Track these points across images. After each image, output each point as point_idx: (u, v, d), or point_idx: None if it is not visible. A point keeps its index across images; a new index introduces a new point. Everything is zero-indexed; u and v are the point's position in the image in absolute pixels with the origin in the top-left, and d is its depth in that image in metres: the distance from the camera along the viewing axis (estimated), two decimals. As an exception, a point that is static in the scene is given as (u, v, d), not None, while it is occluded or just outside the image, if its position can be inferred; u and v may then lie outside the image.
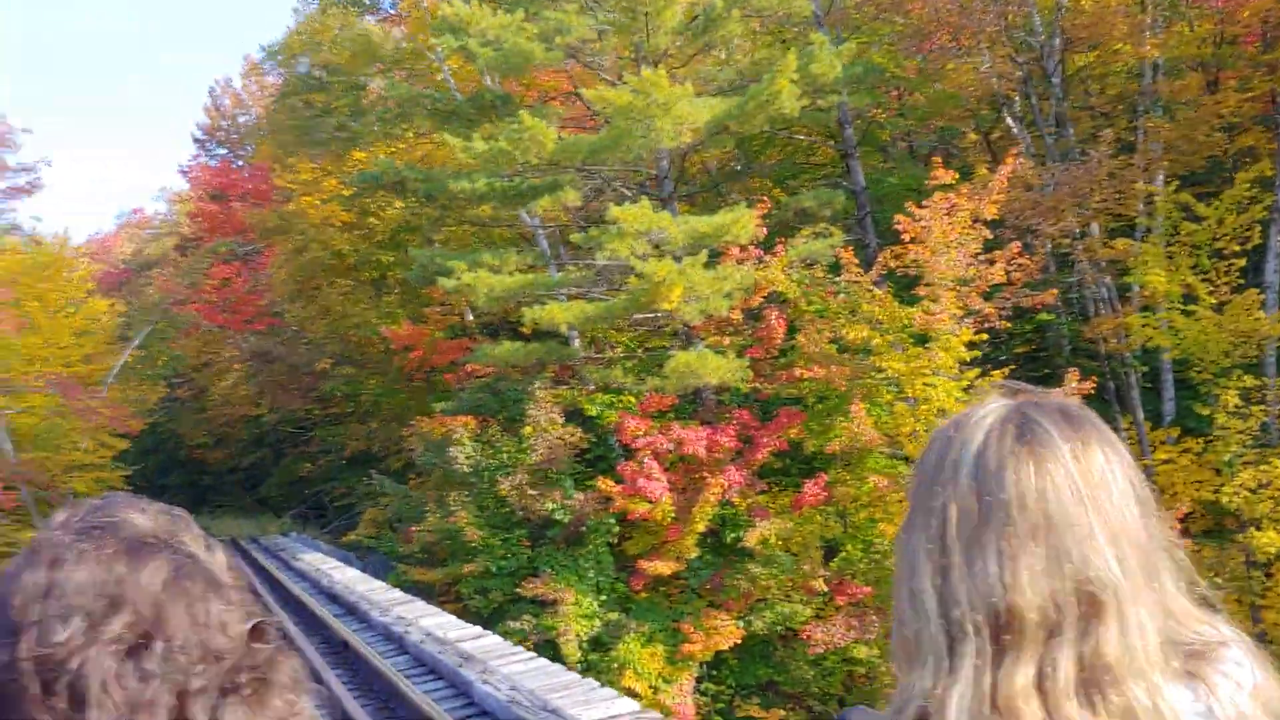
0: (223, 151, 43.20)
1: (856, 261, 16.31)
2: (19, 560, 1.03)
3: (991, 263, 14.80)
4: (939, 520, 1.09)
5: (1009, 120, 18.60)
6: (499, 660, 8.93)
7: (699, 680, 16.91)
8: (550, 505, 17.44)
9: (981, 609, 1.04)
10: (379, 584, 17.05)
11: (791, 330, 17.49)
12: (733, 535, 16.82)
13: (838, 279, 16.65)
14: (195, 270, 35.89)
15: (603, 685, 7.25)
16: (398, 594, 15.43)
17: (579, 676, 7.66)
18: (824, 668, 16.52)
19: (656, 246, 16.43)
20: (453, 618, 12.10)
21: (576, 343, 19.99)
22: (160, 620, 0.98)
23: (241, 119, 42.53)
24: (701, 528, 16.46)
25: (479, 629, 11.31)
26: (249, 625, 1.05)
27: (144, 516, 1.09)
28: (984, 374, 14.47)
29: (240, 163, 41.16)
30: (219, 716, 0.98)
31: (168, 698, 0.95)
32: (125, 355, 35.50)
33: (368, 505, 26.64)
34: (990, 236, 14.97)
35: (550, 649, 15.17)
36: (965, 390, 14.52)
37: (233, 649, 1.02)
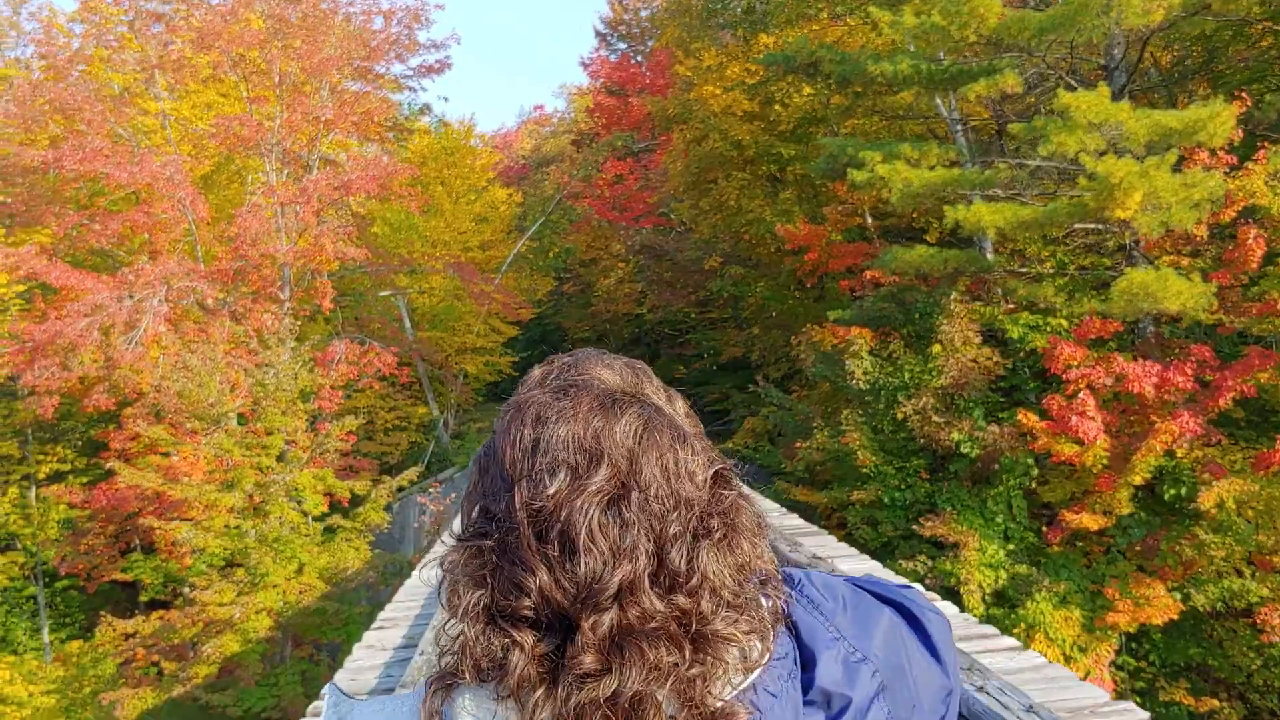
0: (623, 46, 43.26)
1: (1363, 176, 13.20)
2: (506, 418, 1.11)
3: None
4: None
5: None
6: (978, 650, 6.61)
7: (1116, 653, 14.59)
8: (956, 436, 15.35)
9: None
10: (771, 503, 15.51)
11: (1269, 256, 14.52)
12: (1173, 492, 14.19)
13: (1331, 196, 13.53)
14: (590, 164, 36.10)
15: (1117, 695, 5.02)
16: (798, 520, 13.60)
17: (1105, 695, 5.36)
18: (1270, 657, 13.73)
19: (1109, 146, 13.91)
20: (875, 563, 10.18)
21: (990, 254, 17.65)
22: (635, 471, 1.03)
23: (643, 13, 42.32)
24: (1139, 480, 13.89)
25: (916, 587, 9.35)
26: (712, 471, 1.09)
27: (611, 372, 1.16)
28: None
29: (639, 58, 41.00)
30: (695, 559, 1.02)
31: (646, 544, 1.01)
32: (519, 245, 36.49)
33: (743, 413, 25.65)
34: None
35: (949, 597, 13.34)
36: None
37: (701, 496, 1.06)
